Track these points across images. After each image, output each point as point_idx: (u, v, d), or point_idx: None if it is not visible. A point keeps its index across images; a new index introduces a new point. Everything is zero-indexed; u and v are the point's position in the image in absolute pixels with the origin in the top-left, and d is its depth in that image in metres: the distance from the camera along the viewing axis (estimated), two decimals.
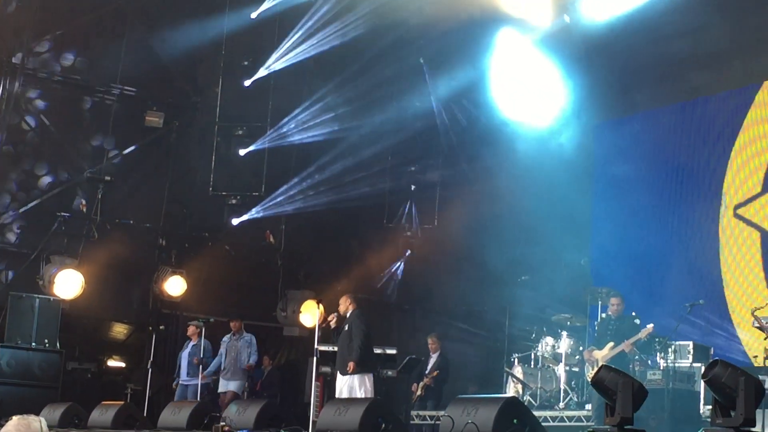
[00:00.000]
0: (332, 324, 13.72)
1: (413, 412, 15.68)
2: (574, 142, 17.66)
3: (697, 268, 15.94)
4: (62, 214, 18.36)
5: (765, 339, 12.10)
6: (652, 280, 16.29)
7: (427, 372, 16.19)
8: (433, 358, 16.31)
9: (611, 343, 13.47)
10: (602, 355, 13.45)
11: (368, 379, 13.27)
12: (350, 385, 13.12)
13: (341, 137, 18.97)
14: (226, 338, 16.18)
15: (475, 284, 18.37)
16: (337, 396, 13.31)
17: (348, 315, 13.61)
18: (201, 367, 15.77)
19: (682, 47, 15.83)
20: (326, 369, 15.71)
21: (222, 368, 16.03)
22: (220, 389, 16.01)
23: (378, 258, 19.69)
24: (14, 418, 5.04)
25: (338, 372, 13.59)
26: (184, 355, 16.45)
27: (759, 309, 12.47)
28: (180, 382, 16.32)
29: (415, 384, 16.16)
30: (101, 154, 19.09)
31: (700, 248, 15.98)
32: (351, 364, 13.23)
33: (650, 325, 13.34)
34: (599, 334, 13.98)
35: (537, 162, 17.54)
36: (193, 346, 16.29)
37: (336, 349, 13.88)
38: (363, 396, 12.86)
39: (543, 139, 17.55)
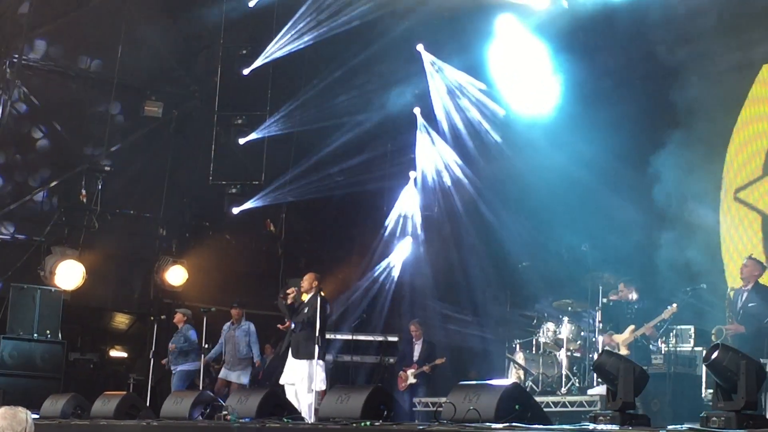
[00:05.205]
0: (289, 300, 13.19)
1: (415, 399, 15.68)
2: (571, 126, 17.59)
3: (697, 251, 15.89)
4: (63, 204, 18.38)
5: (729, 318, 12.29)
6: (652, 264, 16.24)
7: (415, 359, 16.16)
8: (419, 345, 16.28)
9: (632, 326, 13.49)
10: (623, 338, 13.48)
11: (323, 368, 12.98)
12: (310, 373, 12.71)
13: (341, 124, 18.93)
14: (225, 327, 16.11)
15: (476, 271, 18.34)
16: (284, 381, 13.05)
17: (311, 295, 13.14)
18: (189, 353, 15.88)
19: (680, 31, 15.75)
20: (328, 357, 15.72)
21: (222, 358, 16.04)
22: (221, 376, 15.94)
23: (378, 245, 19.66)
24: (2, 408, 5.08)
25: (291, 355, 13.07)
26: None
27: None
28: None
29: (403, 371, 16.08)
30: (101, 144, 19.09)
31: (700, 231, 15.92)
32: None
33: (674, 305, 13.23)
34: (616, 318, 13.96)
35: (534, 148, 17.49)
36: (176, 333, 16.28)
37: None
38: (322, 385, 12.74)
39: (540, 126, 17.48)
